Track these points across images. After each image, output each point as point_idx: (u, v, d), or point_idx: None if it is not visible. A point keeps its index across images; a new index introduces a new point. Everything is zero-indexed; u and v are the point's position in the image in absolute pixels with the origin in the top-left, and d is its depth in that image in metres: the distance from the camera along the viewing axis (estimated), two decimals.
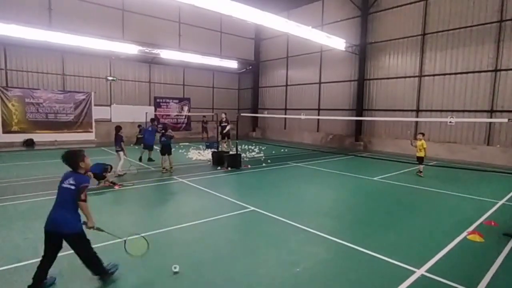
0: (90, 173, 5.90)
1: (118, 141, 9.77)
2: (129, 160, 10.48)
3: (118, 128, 9.94)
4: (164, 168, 10.47)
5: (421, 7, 15.83)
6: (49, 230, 3.56)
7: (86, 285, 3.73)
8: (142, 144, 12.86)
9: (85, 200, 3.65)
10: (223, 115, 14.89)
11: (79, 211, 3.65)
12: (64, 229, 3.51)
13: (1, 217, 5.89)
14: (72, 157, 3.68)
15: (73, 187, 3.55)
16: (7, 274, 3.86)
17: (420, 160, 10.53)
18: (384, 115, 17.48)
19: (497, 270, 4.16)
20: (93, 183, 8.39)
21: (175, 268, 3.97)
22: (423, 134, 10.94)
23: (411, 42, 16.33)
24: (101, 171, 8.16)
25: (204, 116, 22.06)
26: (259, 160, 13.51)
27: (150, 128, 12.74)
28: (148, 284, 3.76)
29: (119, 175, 9.51)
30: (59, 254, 3.73)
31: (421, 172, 10.57)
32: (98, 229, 3.81)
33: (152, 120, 13.65)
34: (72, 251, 3.66)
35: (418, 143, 10.51)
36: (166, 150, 10.39)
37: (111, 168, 8.51)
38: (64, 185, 3.58)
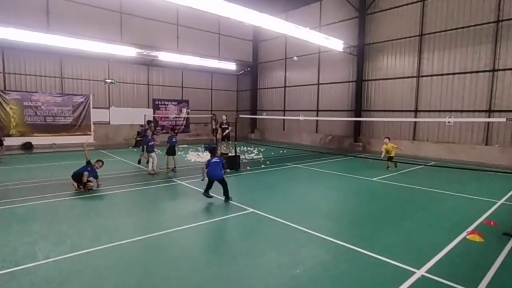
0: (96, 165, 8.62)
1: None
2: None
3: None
4: (168, 168, 10.87)
5: (418, 8, 15.89)
6: (211, 177, 7.37)
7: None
8: (141, 147, 12.81)
9: (225, 168, 7.59)
10: (224, 117, 14.91)
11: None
12: (218, 177, 7.31)
13: None
14: (212, 150, 7.79)
15: (218, 160, 7.41)
16: (5, 278, 3.83)
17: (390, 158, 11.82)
18: (383, 116, 17.51)
19: (497, 269, 4.15)
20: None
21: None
22: (389, 138, 12.16)
23: (409, 42, 16.38)
24: (77, 175, 8.09)
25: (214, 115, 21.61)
26: (258, 161, 13.50)
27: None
28: (145, 277, 3.74)
29: (152, 174, 10.29)
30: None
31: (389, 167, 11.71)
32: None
33: (149, 122, 13.61)
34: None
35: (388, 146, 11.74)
36: (171, 151, 10.87)
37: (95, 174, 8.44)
38: (213, 161, 7.39)
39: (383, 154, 11.82)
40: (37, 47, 15.97)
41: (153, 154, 10.48)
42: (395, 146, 12.02)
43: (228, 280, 3.86)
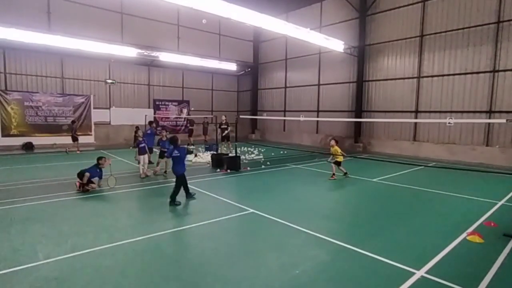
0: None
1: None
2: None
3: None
4: (155, 170, 10.67)
5: (419, 9, 15.89)
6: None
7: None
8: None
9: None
10: (223, 117, 14.95)
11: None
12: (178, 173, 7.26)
13: None
14: (173, 140, 7.40)
15: (178, 154, 7.27)
16: (5, 278, 3.84)
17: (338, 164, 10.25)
18: (384, 117, 17.50)
19: (497, 270, 4.16)
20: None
21: None
22: (336, 141, 10.51)
23: (409, 43, 16.38)
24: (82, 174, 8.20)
25: (205, 118, 21.94)
26: (259, 162, 13.50)
27: (149, 131, 12.60)
28: (145, 277, 3.75)
29: (143, 178, 10.01)
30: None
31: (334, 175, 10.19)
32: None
33: (150, 122, 13.50)
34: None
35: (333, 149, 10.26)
36: (163, 153, 10.51)
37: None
38: (174, 155, 7.24)
39: (330, 157, 10.66)
40: (38, 47, 16.00)
41: (141, 157, 10.04)
42: (339, 150, 10.36)
43: (228, 280, 3.87)
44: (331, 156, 10.51)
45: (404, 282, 3.79)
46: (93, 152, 15.62)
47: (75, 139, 15.63)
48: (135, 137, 11.14)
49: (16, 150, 16.35)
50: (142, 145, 10.21)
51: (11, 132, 16.74)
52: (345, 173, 10.43)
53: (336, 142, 10.55)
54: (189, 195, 7.49)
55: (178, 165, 7.29)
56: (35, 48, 16.23)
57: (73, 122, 16.44)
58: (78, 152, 15.41)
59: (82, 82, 19.09)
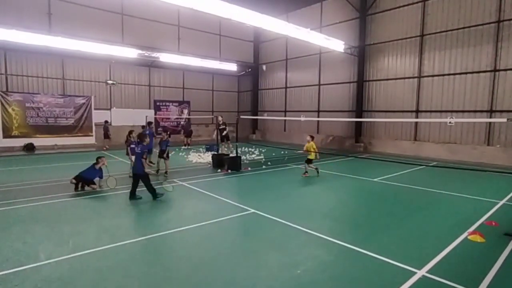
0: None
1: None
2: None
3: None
4: (157, 171, 10.68)
5: (419, 8, 15.89)
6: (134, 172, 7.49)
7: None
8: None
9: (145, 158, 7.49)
10: (220, 118, 15.00)
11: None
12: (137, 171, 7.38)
13: (1, 221, 5.88)
14: (139, 136, 7.67)
15: (140, 151, 7.29)
16: (7, 278, 3.85)
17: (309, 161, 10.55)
18: (384, 116, 17.50)
19: (498, 270, 4.15)
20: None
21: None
22: (312, 137, 10.68)
23: (410, 43, 16.38)
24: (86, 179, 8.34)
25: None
26: (259, 162, 13.51)
27: (148, 132, 12.50)
28: (147, 277, 3.76)
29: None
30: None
31: (306, 173, 10.59)
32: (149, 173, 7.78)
33: (149, 123, 13.57)
34: None
35: (308, 145, 10.50)
36: (162, 153, 10.60)
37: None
38: (136, 151, 7.32)
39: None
40: (39, 48, 16.04)
41: (133, 157, 10.18)
42: (314, 147, 10.53)
43: (229, 280, 3.87)
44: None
45: (405, 282, 3.79)
46: (92, 153, 15.64)
47: (107, 136, 18.10)
48: (127, 138, 11.07)
49: (17, 151, 16.38)
50: (133, 145, 10.20)
51: (12, 133, 16.78)
52: (316, 169, 10.63)
53: (312, 138, 10.65)
54: (154, 196, 7.47)
55: (136, 162, 7.42)
56: (36, 49, 16.27)
57: (106, 122, 18.62)
58: (106, 148, 17.40)
59: (82, 83, 19.12)
